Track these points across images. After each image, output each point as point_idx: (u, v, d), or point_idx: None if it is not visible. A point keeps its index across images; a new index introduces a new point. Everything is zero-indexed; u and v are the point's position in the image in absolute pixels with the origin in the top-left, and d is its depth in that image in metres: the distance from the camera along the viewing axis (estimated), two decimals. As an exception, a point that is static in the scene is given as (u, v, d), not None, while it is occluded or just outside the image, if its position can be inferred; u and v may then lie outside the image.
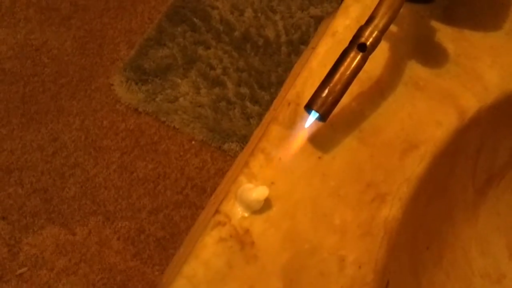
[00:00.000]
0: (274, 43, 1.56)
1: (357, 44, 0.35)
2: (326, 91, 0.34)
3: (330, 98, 0.34)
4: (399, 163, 0.37)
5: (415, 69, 0.43)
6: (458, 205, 0.48)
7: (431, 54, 0.44)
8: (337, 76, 0.35)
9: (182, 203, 1.26)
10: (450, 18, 0.46)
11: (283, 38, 1.58)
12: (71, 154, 1.32)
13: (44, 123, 1.36)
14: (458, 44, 0.45)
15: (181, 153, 1.34)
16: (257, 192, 0.33)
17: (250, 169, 0.35)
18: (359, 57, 0.35)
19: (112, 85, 1.44)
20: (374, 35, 0.35)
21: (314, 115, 0.35)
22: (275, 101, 0.46)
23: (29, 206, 1.23)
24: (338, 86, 0.35)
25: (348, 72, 0.35)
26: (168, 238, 1.21)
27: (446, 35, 0.45)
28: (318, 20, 1.65)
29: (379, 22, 0.36)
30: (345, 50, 0.35)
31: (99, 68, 1.47)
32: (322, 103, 0.34)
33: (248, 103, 1.44)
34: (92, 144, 1.34)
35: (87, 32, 1.53)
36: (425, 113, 0.40)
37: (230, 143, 1.37)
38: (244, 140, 1.37)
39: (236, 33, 1.56)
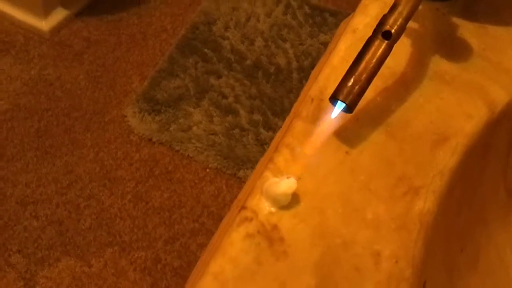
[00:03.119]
0: (285, 70, 1.56)
1: (382, 32, 0.34)
2: (352, 80, 0.33)
3: (357, 87, 0.33)
4: (430, 156, 0.36)
5: (440, 64, 0.41)
6: (490, 206, 0.46)
7: (455, 49, 0.43)
8: (362, 64, 0.33)
9: (198, 231, 1.24)
10: (471, 14, 0.46)
11: (294, 65, 1.58)
12: (86, 186, 1.31)
13: (59, 156, 1.36)
14: (482, 38, 0.44)
15: (196, 181, 1.33)
16: (284, 184, 0.31)
17: (275, 164, 0.34)
18: (384, 45, 0.34)
19: (126, 116, 1.44)
20: (398, 23, 0.34)
21: (340, 106, 0.34)
22: (296, 103, 0.45)
23: (45, 239, 1.22)
24: (364, 75, 0.33)
25: (374, 60, 0.33)
26: (185, 267, 1.18)
27: (468, 30, 0.44)
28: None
29: (403, 9, 0.35)
30: (369, 38, 0.34)
31: (112, 100, 1.48)
32: (348, 92, 0.33)
33: (261, 130, 1.43)
34: (107, 175, 1.33)
35: (100, 66, 1.55)
36: (453, 106, 0.39)
37: (245, 170, 1.36)
38: (259, 166, 1.35)
39: (247, 62, 1.57)
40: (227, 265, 0.29)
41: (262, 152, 1.38)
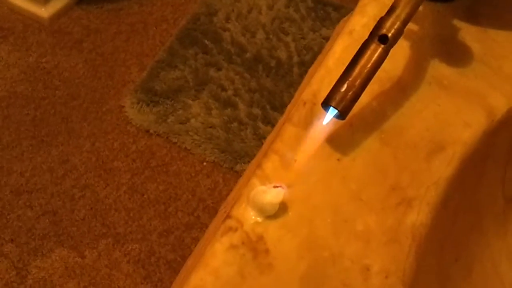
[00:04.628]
0: (286, 64, 1.55)
1: (378, 36, 0.33)
2: (345, 85, 0.32)
3: (350, 93, 0.32)
4: (425, 166, 0.35)
5: (438, 68, 0.40)
6: (487, 215, 0.45)
7: (455, 53, 0.41)
8: (357, 69, 0.32)
9: (193, 225, 1.23)
10: (474, 17, 0.44)
11: (295, 59, 1.56)
12: (81, 176, 1.30)
13: (55, 145, 1.35)
14: (483, 43, 0.42)
15: (193, 174, 1.32)
16: (271, 194, 0.30)
17: (264, 171, 0.32)
18: (380, 49, 0.32)
19: (123, 107, 1.43)
20: (396, 26, 0.33)
21: (332, 112, 0.32)
22: (289, 105, 0.43)
23: (38, 229, 1.21)
24: (358, 81, 0.32)
25: (368, 65, 0.32)
26: (179, 261, 1.17)
27: (470, 34, 0.43)
28: (330, 41, 1.64)
29: (401, 12, 0.33)
30: (365, 42, 0.33)
31: (111, 90, 1.46)
32: (341, 98, 0.32)
33: (260, 124, 1.42)
34: (103, 165, 1.32)
35: (99, 55, 1.53)
36: (451, 113, 0.37)
37: (242, 164, 1.34)
38: (256, 160, 1.34)
39: (248, 55, 1.55)
40: (209, 277, 0.28)
41: (260, 146, 1.36)
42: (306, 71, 1.58)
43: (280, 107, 1.45)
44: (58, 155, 1.33)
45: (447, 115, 0.37)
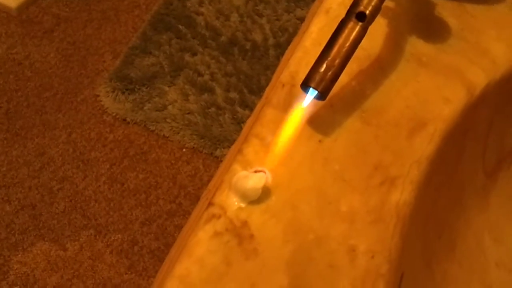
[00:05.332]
0: (262, 47, 1.54)
1: (356, 13, 0.32)
2: (324, 65, 0.31)
3: (329, 73, 0.31)
4: (407, 143, 0.34)
5: (416, 45, 0.40)
6: (468, 190, 0.45)
7: (433, 29, 0.41)
8: (335, 49, 0.31)
9: (175, 212, 1.22)
10: (449, -8, 0.44)
11: (271, 41, 1.55)
12: (59, 168, 1.28)
13: (30, 138, 1.32)
14: (460, 18, 0.42)
15: (172, 162, 1.31)
16: (253, 179, 0.29)
17: (245, 156, 0.32)
18: (358, 27, 0.32)
19: (98, 96, 1.41)
20: (373, 3, 0.32)
21: (312, 93, 0.32)
22: (267, 88, 0.43)
23: (18, 223, 1.19)
24: (337, 60, 0.31)
25: (347, 44, 0.31)
26: (162, 249, 1.17)
27: (446, 9, 0.43)
28: (305, 22, 1.63)
29: (378, -12, 0.32)
30: (342, 20, 0.32)
31: (84, 79, 1.44)
32: (321, 79, 0.31)
33: (238, 108, 1.41)
34: (80, 156, 1.30)
35: (71, 43, 1.50)
36: (431, 90, 0.37)
37: (222, 149, 1.34)
38: (236, 145, 1.33)
39: (223, 38, 1.53)
40: (194, 267, 0.27)
41: (239, 130, 1.36)
42: (282, 53, 1.58)
43: (258, 90, 1.44)
44: (34, 148, 1.31)
45: (427, 92, 0.37)
